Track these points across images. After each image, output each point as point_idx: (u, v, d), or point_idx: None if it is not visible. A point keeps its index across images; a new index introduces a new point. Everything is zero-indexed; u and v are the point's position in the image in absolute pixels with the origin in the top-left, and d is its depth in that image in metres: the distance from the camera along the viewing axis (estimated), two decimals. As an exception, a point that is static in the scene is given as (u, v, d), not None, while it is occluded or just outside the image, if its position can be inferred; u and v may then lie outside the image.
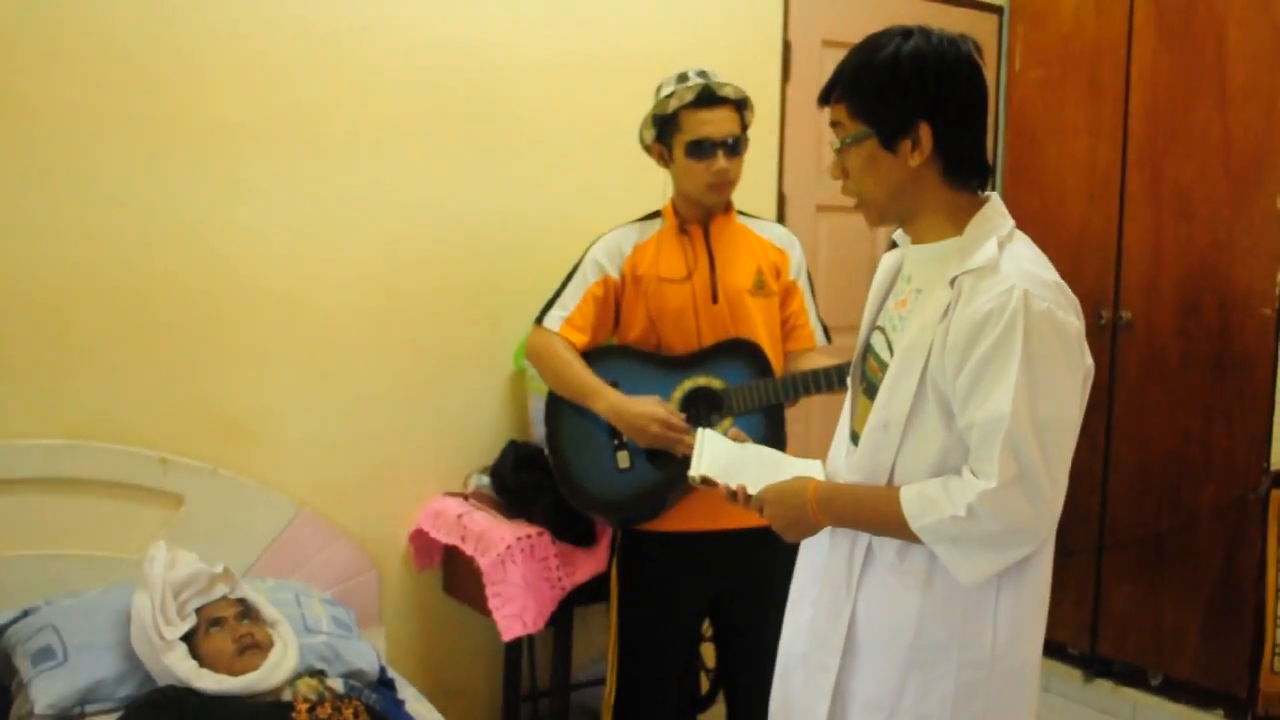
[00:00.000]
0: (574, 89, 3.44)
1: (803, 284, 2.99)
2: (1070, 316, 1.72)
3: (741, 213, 2.96)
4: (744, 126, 2.82)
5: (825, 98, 1.86)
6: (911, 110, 1.75)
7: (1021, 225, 4.17)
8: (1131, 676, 4.05)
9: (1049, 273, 1.76)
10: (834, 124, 1.85)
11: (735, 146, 2.78)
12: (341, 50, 3.06)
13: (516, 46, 3.33)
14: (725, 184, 2.80)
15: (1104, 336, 4.00)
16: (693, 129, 2.75)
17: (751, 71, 3.79)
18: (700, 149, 2.75)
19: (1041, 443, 1.67)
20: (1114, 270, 4.00)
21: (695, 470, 2.02)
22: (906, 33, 1.78)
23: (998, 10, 4.45)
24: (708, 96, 2.75)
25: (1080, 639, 4.15)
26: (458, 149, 3.27)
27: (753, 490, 1.96)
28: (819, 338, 2.99)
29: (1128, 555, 3.99)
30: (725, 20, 3.75)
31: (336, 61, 3.05)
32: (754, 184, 3.76)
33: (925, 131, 1.76)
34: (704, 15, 3.69)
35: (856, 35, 1.86)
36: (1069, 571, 4.10)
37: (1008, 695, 1.82)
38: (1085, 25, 4.07)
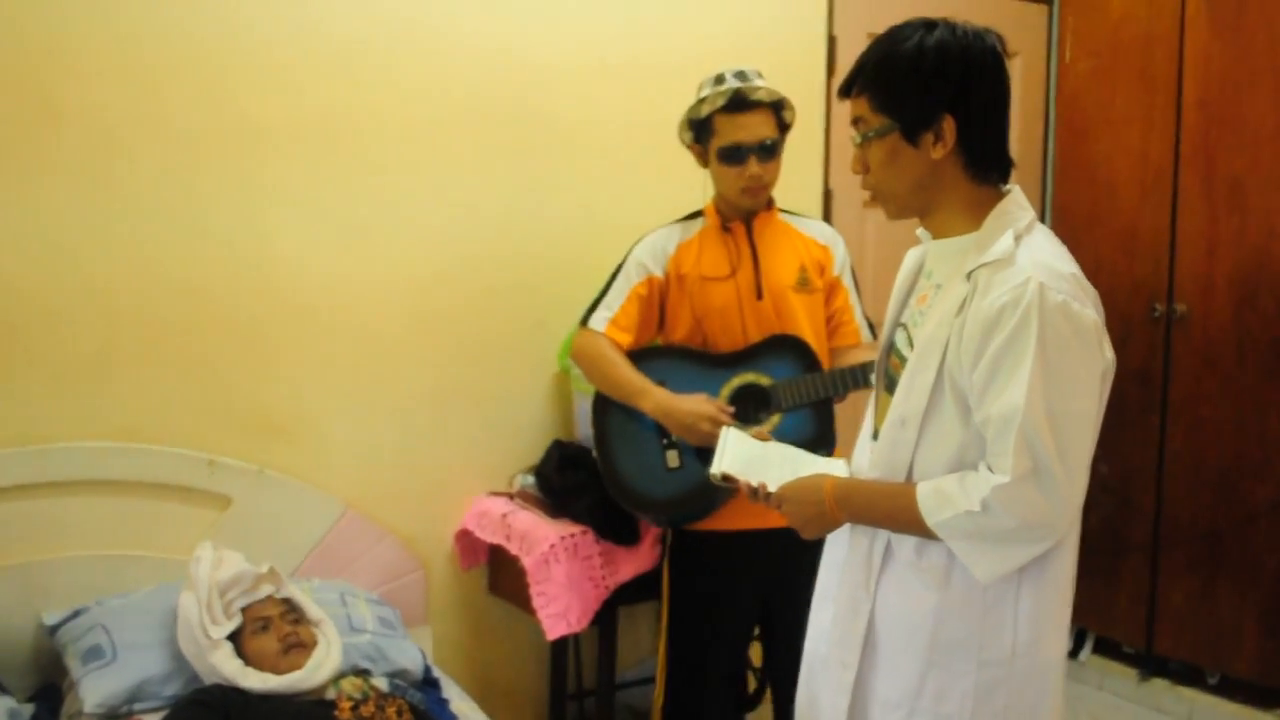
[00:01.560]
0: (615, 89, 3.44)
1: (847, 281, 2.97)
2: (1087, 309, 1.69)
3: (783, 210, 2.94)
4: (783, 126, 2.79)
5: (846, 90, 1.85)
6: (935, 103, 1.74)
7: (1072, 217, 4.11)
8: (1188, 675, 3.99)
9: (1067, 265, 1.74)
10: (855, 120, 1.84)
11: (769, 151, 2.75)
12: (379, 56, 3.07)
13: (556, 46, 3.33)
14: (759, 188, 2.78)
15: (1158, 329, 3.94)
16: (725, 134, 2.74)
17: (796, 66, 3.77)
18: (732, 154, 2.74)
19: (1057, 437, 1.65)
20: (1168, 262, 3.94)
21: (716, 468, 2.03)
22: (930, 24, 1.76)
23: (1047, 0, 4.39)
24: (739, 101, 2.72)
25: (1136, 637, 4.09)
26: (499, 151, 3.27)
27: (773, 488, 1.95)
28: (864, 334, 2.97)
29: (1184, 552, 3.92)
30: (770, 14, 3.72)
31: (375, 67, 3.07)
32: (800, 180, 3.75)
33: (949, 125, 1.74)
34: (748, 9, 3.67)
35: (902, 28, 1.84)
36: (1124, 568, 4.05)
37: (1029, 693, 1.80)
38: (1136, 15, 4.00)
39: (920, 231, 1.93)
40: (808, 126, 3.81)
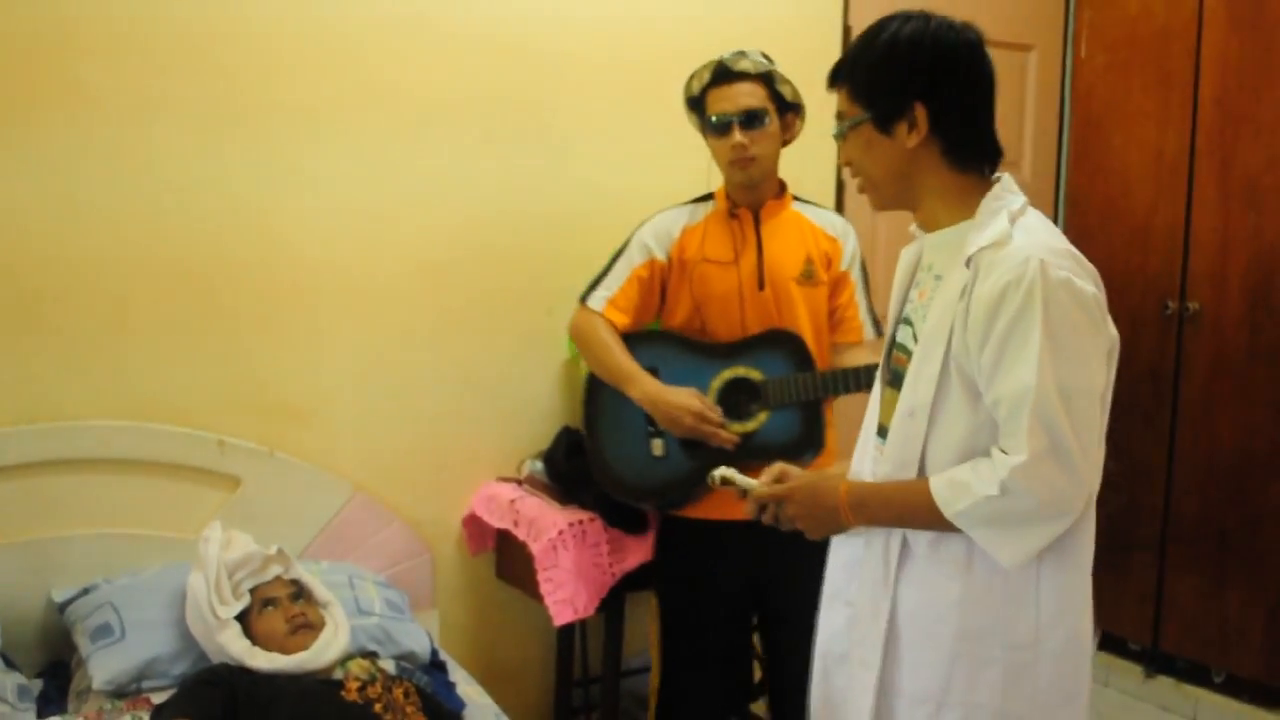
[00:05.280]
0: (628, 78, 3.43)
1: (855, 275, 2.94)
2: (1088, 284, 1.70)
3: (798, 198, 2.92)
4: (777, 98, 2.76)
5: (831, 83, 1.88)
6: (906, 91, 1.76)
7: (1086, 213, 4.09)
8: (1194, 674, 3.98)
9: (1061, 241, 1.75)
10: (838, 113, 1.86)
11: (752, 119, 2.72)
12: (397, 35, 3.07)
13: (572, 32, 3.33)
14: (745, 159, 2.74)
15: (1170, 327, 3.93)
16: (712, 106, 2.75)
17: (812, 58, 3.69)
18: (716, 126, 2.74)
19: (1070, 412, 1.65)
20: (1181, 260, 3.92)
21: (718, 470, 2.06)
22: (909, 16, 1.79)
23: (1063, -6, 4.37)
24: (724, 73, 2.72)
25: (1142, 634, 4.08)
26: (513, 134, 3.28)
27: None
28: (868, 331, 2.94)
29: (1192, 550, 3.91)
30: (785, 6, 3.71)
31: (393, 46, 3.07)
32: (812, 171, 3.74)
33: (920, 112, 1.76)
34: (764, 1, 3.66)
35: (918, 21, 1.86)
36: (1131, 565, 4.04)
37: (1059, 676, 1.80)
38: (1153, 9, 3.98)
39: (913, 228, 1.94)
40: (821, 116, 3.78)
